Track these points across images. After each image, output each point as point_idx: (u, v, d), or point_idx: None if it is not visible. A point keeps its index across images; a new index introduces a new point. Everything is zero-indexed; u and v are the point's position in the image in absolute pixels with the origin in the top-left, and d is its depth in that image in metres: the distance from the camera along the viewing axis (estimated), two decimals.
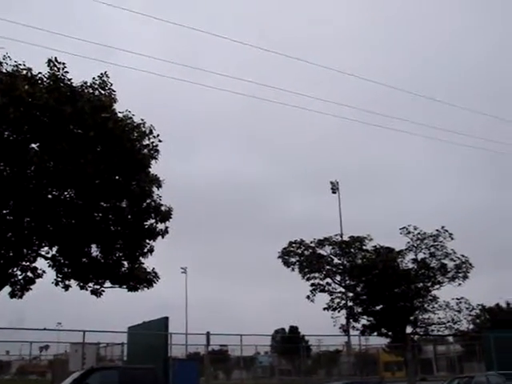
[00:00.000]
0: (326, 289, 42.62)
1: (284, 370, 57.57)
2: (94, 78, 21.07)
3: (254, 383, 43.45)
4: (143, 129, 21.67)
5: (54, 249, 22.28)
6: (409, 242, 40.97)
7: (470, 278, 40.27)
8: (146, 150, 21.83)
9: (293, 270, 43.31)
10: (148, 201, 22.59)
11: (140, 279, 23.21)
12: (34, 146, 20.25)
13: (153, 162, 22.26)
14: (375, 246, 42.25)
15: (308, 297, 42.03)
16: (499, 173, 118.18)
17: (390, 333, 40.89)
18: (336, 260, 43.59)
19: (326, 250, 43.62)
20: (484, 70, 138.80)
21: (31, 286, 22.48)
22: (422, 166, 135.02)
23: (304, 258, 43.07)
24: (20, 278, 22.14)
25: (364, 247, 42.96)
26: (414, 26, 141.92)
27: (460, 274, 40.15)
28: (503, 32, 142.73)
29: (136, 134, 21.43)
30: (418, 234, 40.77)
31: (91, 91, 20.89)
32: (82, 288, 23.10)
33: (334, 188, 49.39)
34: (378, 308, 40.76)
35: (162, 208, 22.90)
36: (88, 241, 22.15)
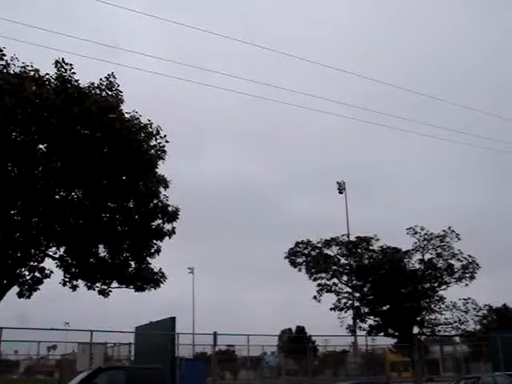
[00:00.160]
0: (333, 289, 42.63)
1: (291, 371, 57.48)
2: (101, 79, 21.16)
3: (261, 383, 43.38)
4: (150, 129, 21.73)
5: (62, 249, 22.40)
6: (415, 243, 40.94)
7: (477, 278, 40.21)
8: (152, 151, 21.89)
9: (300, 270, 43.39)
10: (155, 201, 22.68)
11: (147, 279, 23.29)
12: (41, 146, 20.38)
13: (160, 162, 22.34)
14: (382, 247, 42.24)
15: (315, 297, 42.07)
16: (504, 172, 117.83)
17: (396, 333, 40.84)
18: (343, 260, 43.63)
19: (332, 251, 43.67)
20: (486, 68, 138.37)
21: (39, 286, 22.62)
22: (428, 165, 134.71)
23: (311, 258, 43.11)
24: (28, 278, 22.29)
25: (371, 247, 42.95)
26: (415, 26, 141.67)
27: (467, 275, 40.06)
28: (505, 30, 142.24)
29: (143, 135, 21.50)
30: (425, 234, 40.71)
31: (98, 92, 20.96)
32: (89, 288, 23.22)
33: (341, 188, 49.42)
34: (384, 308, 40.72)
35: (169, 208, 22.97)
36: (95, 241, 22.25)
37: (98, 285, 23.20)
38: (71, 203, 21.53)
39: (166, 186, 22.83)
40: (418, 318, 40.58)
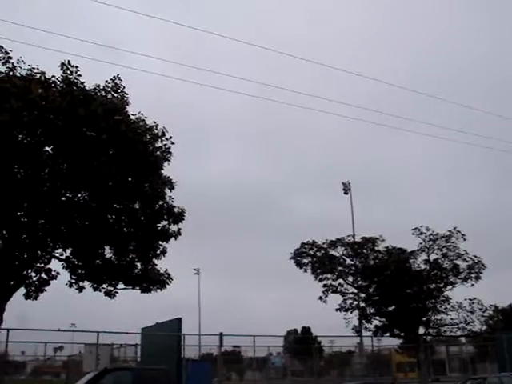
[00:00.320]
0: (339, 290, 42.64)
1: (296, 371, 57.52)
2: (106, 81, 21.21)
3: None
4: (156, 131, 21.79)
5: (68, 250, 22.43)
6: (421, 243, 40.93)
7: (483, 278, 40.17)
8: (158, 152, 21.93)
9: (305, 270, 43.41)
10: (161, 202, 22.69)
11: (153, 280, 23.32)
12: (47, 148, 20.45)
13: (165, 163, 22.37)
14: (387, 247, 42.24)
15: (320, 298, 42.09)
16: (508, 172, 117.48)
17: (402, 334, 40.82)
18: (348, 261, 43.63)
19: (338, 251, 43.68)
20: (486, 68, 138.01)
21: (46, 288, 22.67)
22: (432, 165, 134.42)
23: (316, 258, 43.13)
24: (34, 279, 22.31)
25: (376, 248, 42.95)
26: (415, 25, 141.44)
27: (472, 275, 40.02)
28: (506, 30, 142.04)
29: (148, 137, 21.55)
30: (431, 234, 40.70)
31: (104, 94, 21.01)
32: (95, 289, 23.25)
33: (346, 189, 49.37)
34: (390, 309, 40.72)
35: (175, 210, 22.99)
36: (101, 242, 22.30)
37: (104, 286, 23.22)
38: (77, 205, 21.59)
39: (172, 188, 22.85)
40: (424, 319, 40.55)
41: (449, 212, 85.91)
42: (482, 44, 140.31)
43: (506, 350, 31.97)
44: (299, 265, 43.47)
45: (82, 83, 20.65)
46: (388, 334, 41.04)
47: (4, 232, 21.17)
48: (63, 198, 21.34)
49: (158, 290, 23.70)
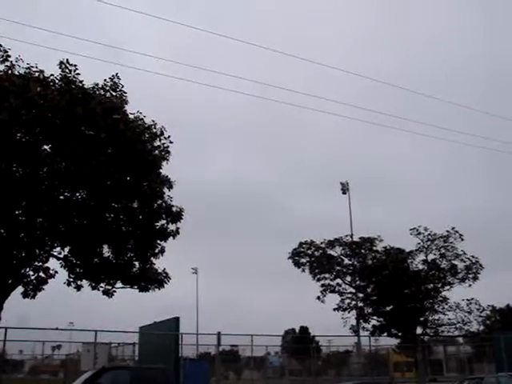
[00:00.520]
0: (337, 289, 42.73)
1: (294, 371, 57.57)
2: (105, 80, 21.21)
3: (265, 383, 43.39)
4: (154, 130, 21.79)
5: (66, 249, 22.45)
6: (419, 243, 41.03)
7: (481, 278, 40.28)
8: (156, 151, 21.92)
9: (303, 270, 43.49)
10: (159, 202, 22.68)
11: (151, 279, 23.33)
12: (46, 147, 20.43)
13: (164, 163, 22.37)
14: (385, 247, 42.33)
15: (318, 297, 42.16)
16: (507, 172, 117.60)
17: (400, 333, 40.91)
18: (346, 261, 43.71)
19: (336, 251, 43.77)
20: (486, 66, 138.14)
21: (43, 286, 22.67)
22: (430, 166, 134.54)
23: (314, 258, 43.18)
24: (32, 278, 22.33)
25: (374, 248, 43.05)
26: (416, 26, 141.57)
27: (470, 275, 40.14)
28: (500, 29, 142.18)
29: (147, 136, 21.53)
30: (429, 235, 40.81)
31: (103, 93, 21.00)
32: (93, 288, 23.27)
33: (344, 189, 49.35)
34: (388, 309, 40.80)
35: (173, 209, 22.97)
36: (100, 241, 22.30)
37: (102, 285, 23.24)
38: (75, 203, 21.59)
39: (170, 187, 22.83)
40: (422, 319, 40.66)
41: (447, 212, 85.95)
42: (478, 43, 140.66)
43: (504, 350, 31.98)
44: (297, 264, 43.55)
45: (81, 82, 20.63)
46: (386, 334, 41.15)
47: (2, 230, 21.15)
48: (61, 197, 21.33)
49: (156, 289, 23.73)
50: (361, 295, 42.24)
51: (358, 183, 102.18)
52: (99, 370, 18.48)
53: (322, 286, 42.51)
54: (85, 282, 23.15)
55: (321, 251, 43.40)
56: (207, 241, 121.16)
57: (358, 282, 42.65)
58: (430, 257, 41.05)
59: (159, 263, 23.60)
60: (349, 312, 41.96)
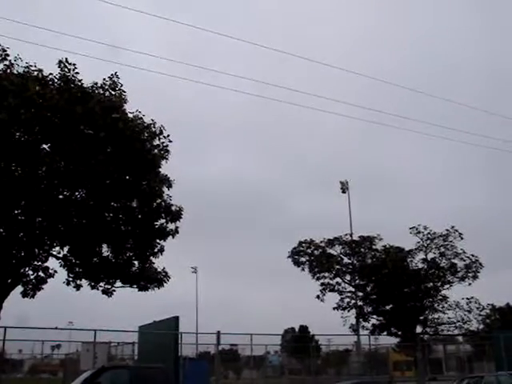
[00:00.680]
0: (336, 288, 42.66)
1: (294, 370, 57.56)
2: (104, 79, 21.20)
3: (264, 382, 43.40)
4: (153, 129, 21.78)
5: (66, 248, 22.41)
6: (419, 242, 40.95)
7: (480, 277, 40.23)
8: (156, 150, 21.92)
9: (303, 269, 43.39)
10: (158, 201, 22.67)
11: (151, 279, 23.33)
12: (45, 146, 20.42)
13: (163, 162, 22.38)
14: (385, 246, 42.25)
15: (318, 296, 42.08)
16: (507, 171, 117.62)
17: (399, 332, 40.88)
18: (346, 260, 43.62)
19: (335, 250, 43.67)
20: (484, 65, 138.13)
21: (43, 286, 22.64)
22: (430, 165, 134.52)
23: (314, 257, 43.11)
24: (32, 277, 22.29)
25: (374, 247, 42.97)
26: (418, 25, 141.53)
27: (470, 274, 40.09)
28: (500, 28, 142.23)
29: (146, 135, 21.54)
30: (428, 233, 40.74)
31: (102, 92, 21.00)
32: (93, 287, 23.25)
33: (344, 188, 49.27)
34: (387, 308, 40.78)
35: (173, 208, 22.97)
36: (99, 240, 22.29)
37: (101, 284, 23.23)
38: (75, 203, 21.56)
39: (170, 186, 22.82)
40: (421, 318, 40.62)
41: (446, 211, 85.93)
42: (478, 42, 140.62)
43: (503, 349, 32.01)
44: (297, 263, 43.47)
45: (80, 81, 20.62)
46: (385, 333, 41.11)
47: (1, 230, 21.10)
48: (60, 196, 21.30)
49: (156, 289, 23.74)
50: (360, 294, 42.21)
51: (357, 182, 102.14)
52: (99, 369, 18.48)
53: (322, 284, 42.44)
54: (84, 282, 23.13)
55: (320, 250, 43.33)
56: (207, 240, 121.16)
57: (357, 281, 42.61)
58: (430, 256, 41.00)
59: (159, 262, 23.63)
60: (348, 311, 41.93)
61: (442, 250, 40.52)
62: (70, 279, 22.94)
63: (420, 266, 41.24)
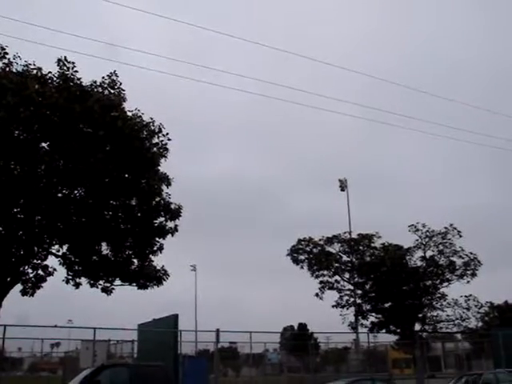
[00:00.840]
0: (335, 286, 42.78)
1: (293, 367, 57.58)
2: (103, 77, 21.21)
3: (263, 380, 43.43)
4: (152, 127, 21.78)
5: (65, 247, 22.45)
6: (417, 240, 41.08)
7: (479, 275, 40.34)
8: (155, 149, 21.93)
9: (302, 267, 43.52)
10: (157, 199, 22.69)
11: (150, 277, 23.35)
12: (44, 145, 20.44)
13: (162, 160, 22.38)
14: (384, 244, 42.35)
15: (317, 294, 42.19)
16: (506, 169, 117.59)
17: (398, 330, 40.98)
18: (345, 257, 43.76)
19: (334, 248, 43.81)
20: (483, 64, 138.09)
21: (42, 284, 22.66)
22: (429, 163, 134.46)
23: (313, 255, 43.19)
24: (31, 275, 22.32)
25: (372, 245, 43.09)
26: (421, 24, 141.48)
27: (468, 272, 40.20)
28: (502, 28, 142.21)
29: (145, 133, 21.55)
30: (427, 231, 40.84)
31: (101, 90, 21.02)
32: (92, 286, 23.27)
33: (343, 186, 49.36)
34: (386, 305, 40.89)
35: (172, 206, 22.99)
36: (98, 239, 22.31)
37: (100, 282, 23.24)
38: (74, 201, 21.58)
39: (169, 184, 22.85)
40: (420, 315, 40.74)
41: (445, 209, 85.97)
42: (481, 41, 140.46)
43: (502, 347, 31.99)
44: (296, 261, 43.57)
45: (79, 79, 20.64)
46: (384, 331, 41.23)
47: (0, 228, 21.12)
48: (60, 195, 21.32)
49: (155, 287, 23.77)
50: (359, 292, 42.33)
51: (357, 180, 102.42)
52: (98, 367, 18.45)
53: (321, 282, 42.58)
54: (83, 280, 23.15)
55: (319, 248, 43.44)
56: (206, 238, 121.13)
57: (356, 279, 42.72)
58: (429, 253, 41.14)
59: (158, 260, 23.68)
60: (347, 309, 42.09)
61: (441, 247, 40.63)
62: (70, 277, 22.96)
63: (419, 263, 41.38)
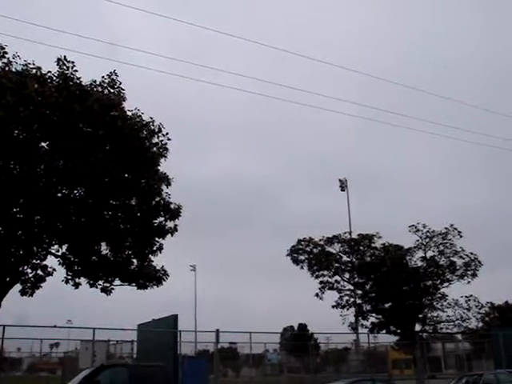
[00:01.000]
0: (335, 286, 42.71)
1: (293, 368, 57.56)
2: (103, 77, 21.16)
3: (263, 380, 43.44)
4: (152, 127, 21.74)
5: (64, 247, 22.38)
6: (418, 240, 41.00)
7: (479, 275, 40.25)
8: (154, 148, 21.88)
9: (302, 267, 43.46)
10: (157, 199, 22.64)
11: (149, 277, 23.30)
12: (43, 144, 20.38)
13: (162, 160, 22.33)
14: (384, 244, 42.29)
15: (317, 294, 42.11)
16: (506, 169, 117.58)
17: (398, 330, 40.91)
18: (345, 258, 43.70)
19: (334, 248, 43.75)
20: (482, 63, 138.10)
21: (41, 284, 22.59)
22: (429, 163, 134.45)
23: (313, 255, 43.14)
24: (30, 275, 22.24)
25: (373, 245, 43.03)
26: (421, 23, 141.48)
27: (469, 272, 40.12)
28: (501, 27, 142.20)
29: (145, 133, 21.51)
30: (427, 231, 40.77)
31: (100, 90, 20.96)
32: (91, 286, 23.21)
33: (343, 186, 49.36)
34: (386, 306, 40.82)
35: (171, 206, 22.95)
36: (98, 239, 22.25)
37: (100, 282, 23.19)
38: (73, 201, 21.52)
39: (168, 184, 22.82)
40: (420, 316, 40.67)
41: (446, 209, 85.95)
42: (479, 40, 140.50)
43: (502, 347, 31.93)
44: (296, 261, 43.51)
45: (79, 79, 20.58)
46: (384, 331, 41.13)
47: (0, 228, 21.08)
48: (59, 194, 21.26)
49: (155, 287, 23.72)
50: (359, 292, 42.26)
51: (356, 180, 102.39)
52: (97, 367, 18.44)
53: (321, 283, 42.50)
54: (83, 280, 23.08)
55: (319, 248, 43.38)
56: (205, 238, 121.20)
57: (356, 279, 42.66)
58: (429, 254, 41.05)
59: (157, 260, 23.63)
60: (347, 309, 42.01)
61: (441, 248, 40.56)
62: (69, 277, 22.89)
63: (419, 264, 41.31)
